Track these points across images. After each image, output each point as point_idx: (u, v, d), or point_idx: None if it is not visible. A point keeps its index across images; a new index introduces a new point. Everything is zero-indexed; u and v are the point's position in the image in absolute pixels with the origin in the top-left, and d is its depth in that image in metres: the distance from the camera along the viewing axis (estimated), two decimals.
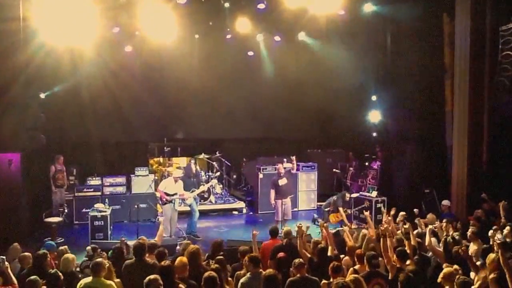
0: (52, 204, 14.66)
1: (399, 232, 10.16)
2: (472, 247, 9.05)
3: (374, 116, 17.16)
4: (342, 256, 8.99)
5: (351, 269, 7.91)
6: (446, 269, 7.05)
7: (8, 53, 12.26)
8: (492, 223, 10.64)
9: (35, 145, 13.75)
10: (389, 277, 7.55)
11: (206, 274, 6.29)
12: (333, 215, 14.54)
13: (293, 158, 14.88)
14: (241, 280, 7.32)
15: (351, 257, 8.72)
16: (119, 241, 9.82)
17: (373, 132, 17.52)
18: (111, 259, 8.32)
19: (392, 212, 11.29)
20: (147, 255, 8.06)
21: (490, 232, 9.20)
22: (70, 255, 8.05)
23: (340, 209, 14.39)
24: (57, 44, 13.71)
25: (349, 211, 14.74)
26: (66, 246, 9.06)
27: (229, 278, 7.09)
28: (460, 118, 13.95)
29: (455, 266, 7.17)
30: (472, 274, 7.58)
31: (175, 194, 13.21)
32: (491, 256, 7.15)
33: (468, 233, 9.57)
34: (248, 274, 7.39)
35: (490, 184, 13.13)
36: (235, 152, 19.10)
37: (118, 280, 7.43)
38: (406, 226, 9.81)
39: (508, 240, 8.97)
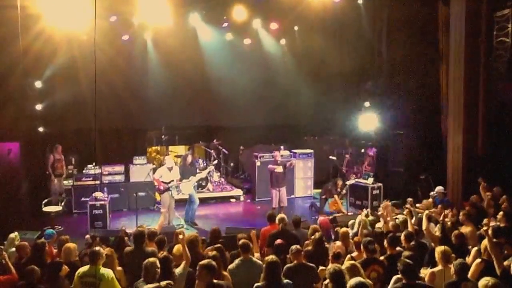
0: (51, 193, 14.72)
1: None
2: (465, 230, 9.18)
3: (370, 103, 17.21)
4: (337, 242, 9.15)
5: (348, 256, 8.01)
6: (440, 247, 7.21)
7: (6, 41, 12.26)
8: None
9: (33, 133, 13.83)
10: None
11: (203, 262, 6.40)
12: (332, 202, 14.67)
13: (282, 148, 15.00)
14: (229, 267, 7.45)
15: (343, 242, 8.85)
16: (118, 230, 9.91)
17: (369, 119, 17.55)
18: (112, 247, 8.40)
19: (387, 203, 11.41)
20: (146, 242, 8.17)
21: (485, 220, 9.33)
22: (71, 245, 8.10)
23: (336, 196, 14.53)
24: (55, 33, 13.74)
25: (344, 190, 14.89)
26: (68, 236, 9.12)
27: (225, 273, 7.15)
28: (455, 104, 14.03)
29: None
30: (468, 259, 7.72)
31: (172, 181, 13.31)
32: (485, 241, 7.28)
33: (460, 216, 9.73)
34: (237, 260, 7.52)
35: (486, 169, 13.23)
36: (232, 140, 19.15)
37: (120, 268, 7.54)
38: (405, 212, 9.95)
39: (501, 225, 9.12)
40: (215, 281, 6.35)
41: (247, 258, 7.51)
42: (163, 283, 6.11)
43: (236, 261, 7.50)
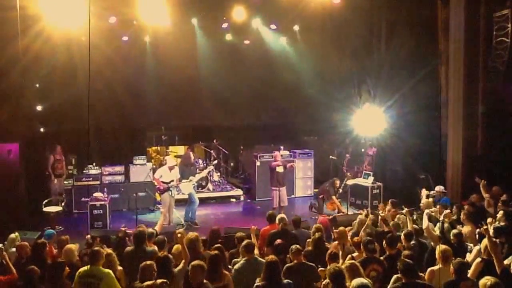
0: (51, 193, 14.72)
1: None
2: (465, 229, 9.18)
3: (370, 103, 17.19)
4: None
5: (349, 256, 8.01)
6: (440, 246, 7.20)
7: (5, 42, 12.26)
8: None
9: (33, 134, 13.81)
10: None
11: (194, 262, 6.44)
12: (329, 203, 14.67)
13: (282, 148, 15.00)
14: (235, 267, 7.44)
15: (340, 241, 8.82)
16: (118, 230, 9.90)
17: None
18: (113, 247, 8.40)
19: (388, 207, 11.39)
20: (147, 242, 8.17)
21: (489, 219, 9.31)
22: (73, 246, 8.11)
23: (334, 197, 14.53)
24: (54, 33, 13.74)
25: (340, 190, 14.90)
26: (68, 236, 9.12)
27: (225, 272, 7.15)
28: (455, 104, 14.04)
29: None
30: (468, 258, 7.73)
31: (172, 181, 13.31)
32: (485, 241, 7.28)
33: (461, 216, 9.72)
34: (242, 260, 7.52)
35: (485, 169, 13.22)
36: (232, 140, 19.14)
37: (120, 268, 7.53)
38: (404, 211, 9.93)
39: (502, 224, 9.11)
40: (205, 281, 6.37)
41: (252, 257, 7.50)
42: (158, 281, 6.12)
43: (242, 260, 7.49)
